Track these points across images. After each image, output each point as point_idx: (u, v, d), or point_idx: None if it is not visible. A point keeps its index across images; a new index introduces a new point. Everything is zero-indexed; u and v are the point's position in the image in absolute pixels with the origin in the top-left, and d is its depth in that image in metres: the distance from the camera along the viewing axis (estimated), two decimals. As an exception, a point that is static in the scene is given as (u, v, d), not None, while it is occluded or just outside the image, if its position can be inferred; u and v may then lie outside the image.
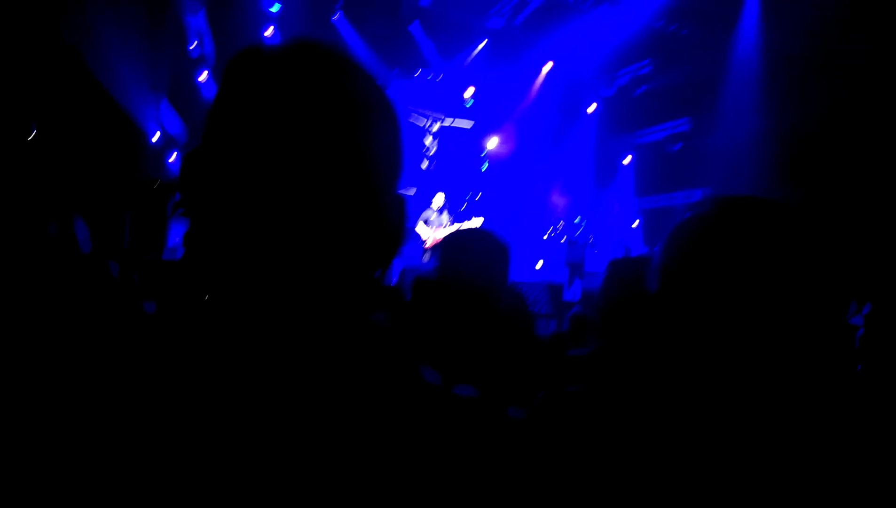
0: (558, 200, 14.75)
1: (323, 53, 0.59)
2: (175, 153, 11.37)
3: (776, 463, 0.70)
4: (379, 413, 0.54)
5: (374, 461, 0.52)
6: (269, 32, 12.33)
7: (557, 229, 12.88)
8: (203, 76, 11.61)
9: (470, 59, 14.57)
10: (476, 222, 10.61)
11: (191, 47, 10.98)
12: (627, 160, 15.14)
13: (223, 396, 0.53)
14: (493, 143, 15.13)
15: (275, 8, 11.94)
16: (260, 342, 0.55)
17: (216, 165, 0.57)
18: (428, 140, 14.37)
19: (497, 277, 1.91)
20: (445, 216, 10.54)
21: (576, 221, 11.57)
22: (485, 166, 15.28)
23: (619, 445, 0.77)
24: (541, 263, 13.38)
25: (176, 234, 8.32)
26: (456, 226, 10.50)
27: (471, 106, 15.02)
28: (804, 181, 10.85)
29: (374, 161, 0.59)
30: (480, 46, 14.39)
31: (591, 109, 15.41)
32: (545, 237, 12.34)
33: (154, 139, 10.02)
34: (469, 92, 14.88)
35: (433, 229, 10.33)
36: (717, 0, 11.93)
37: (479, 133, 15.18)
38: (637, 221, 14.36)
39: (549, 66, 14.91)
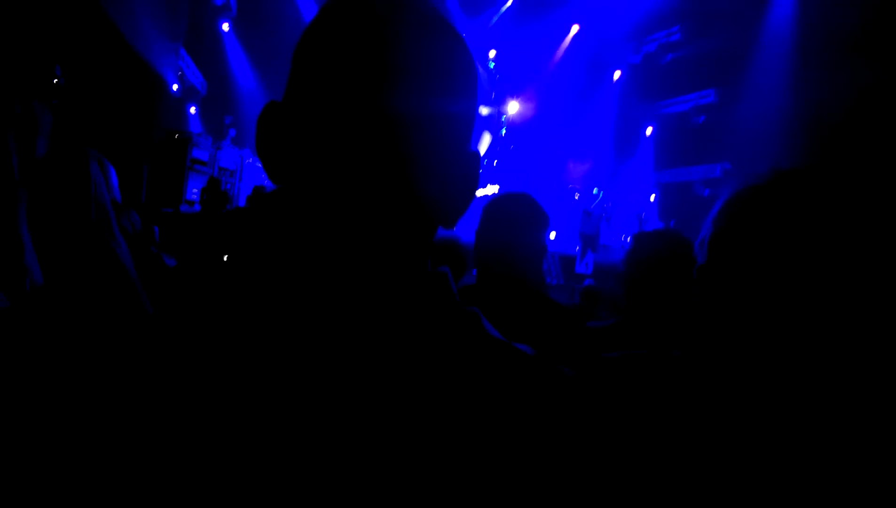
0: (576, 169, 14.58)
1: (415, 6, 0.58)
2: (194, 106, 11.32)
3: (839, 446, 0.70)
4: (446, 364, 0.55)
5: (440, 410, 0.53)
6: (293, -18, 12.11)
7: (574, 198, 12.76)
8: (225, 26, 11.46)
9: (495, 18, 14.25)
10: (492, 190, 10.54)
11: (213, -5, 10.83)
12: (649, 131, 14.87)
13: (285, 345, 0.54)
14: (512, 107, 14.90)
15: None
16: (330, 290, 0.55)
17: (303, 115, 0.56)
18: None
19: (532, 242, 1.93)
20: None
21: (594, 191, 11.45)
22: (503, 131, 15.09)
23: (673, 414, 0.77)
24: (554, 233, 13.32)
25: (193, 186, 8.34)
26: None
27: (493, 68, 14.75)
28: (830, 159, 10.65)
29: (460, 118, 0.59)
30: (507, 5, 14.06)
31: (616, 75, 15.08)
32: (570, 203, 12.21)
33: (174, 88, 9.96)
34: (491, 54, 14.59)
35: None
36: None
37: (499, 97, 14.95)
38: (653, 194, 14.19)
39: (575, 29, 14.55)
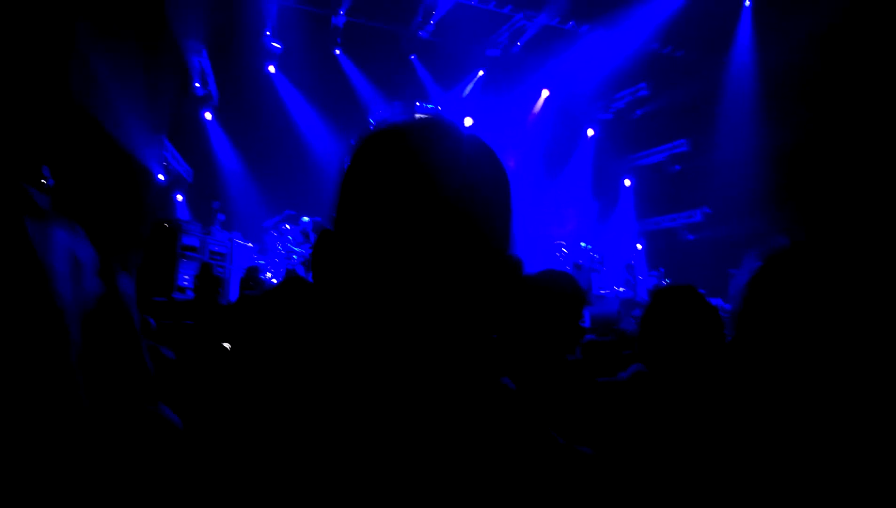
0: (560, 224, 14.80)
1: (453, 132, 0.62)
2: (181, 194, 11.44)
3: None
4: (512, 469, 0.59)
5: None
6: (271, 69, 12.52)
7: (562, 253, 12.89)
8: (208, 115, 11.75)
9: (468, 89, 14.77)
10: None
11: (195, 86, 11.13)
12: (627, 183, 15.24)
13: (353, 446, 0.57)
14: (493, 169, 15.19)
15: (276, 45, 12.11)
16: (397, 405, 0.58)
17: (356, 241, 0.61)
18: None
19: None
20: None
21: (581, 245, 11.59)
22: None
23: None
24: (547, 288, 13.37)
25: (185, 273, 8.31)
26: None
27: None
28: (803, 198, 10.92)
29: (501, 233, 0.64)
30: (478, 76, 14.59)
31: (590, 133, 15.56)
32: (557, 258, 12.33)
33: (160, 178, 10.09)
34: (467, 122, 15.04)
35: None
36: (710, 21, 12.13)
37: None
38: (640, 243, 14.40)
39: (545, 93, 15.10)
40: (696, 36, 12.66)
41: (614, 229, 14.65)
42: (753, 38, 11.92)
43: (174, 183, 11.04)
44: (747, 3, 11.77)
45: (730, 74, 12.30)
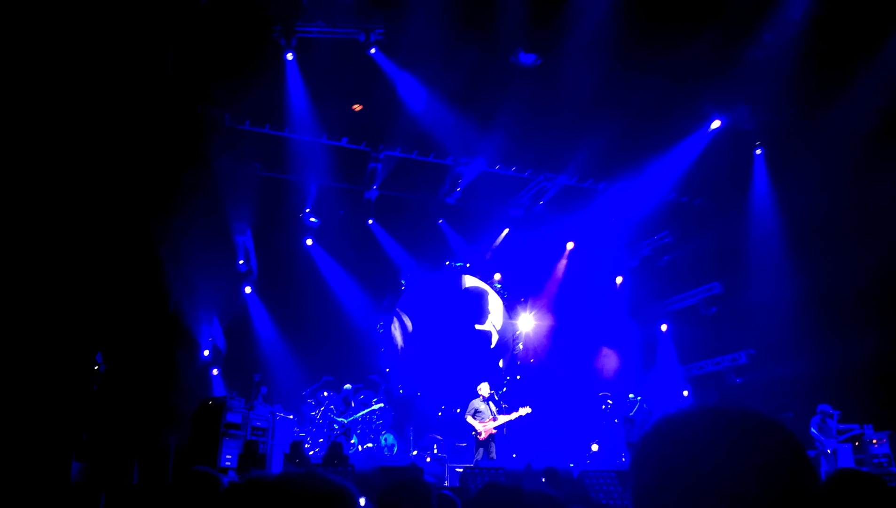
0: (602, 375, 14.44)
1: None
2: (216, 368, 11.48)
3: None
4: None
5: None
6: (309, 242, 13.14)
7: (607, 406, 12.43)
8: (248, 289, 12.13)
9: (495, 246, 15.26)
10: (524, 412, 10.28)
11: (239, 263, 11.63)
12: (664, 328, 15.06)
13: None
14: (525, 323, 15.25)
15: (314, 219, 12.80)
16: None
17: None
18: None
19: None
20: (493, 406, 10.26)
21: (630, 397, 11.19)
22: (520, 346, 15.25)
23: None
24: (596, 446, 12.73)
25: (227, 452, 8.08)
26: (504, 418, 10.17)
27: (500, 289, 15.42)
28: (845, 334, 10.66)
29: None
30: (504, 234, 15.14)
31: (619, 281, 15.70)
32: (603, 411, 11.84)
33: (205, 354, 10.19)
34: (497, 277, 15.37)
35: (484, 420, 10.01)
36: (725, 170, 12.70)
37: (510, 314, 15.40)
38: (686, 390, 13.89)
39: (570, 245, 15.53)
40: (713, 184, 13.20)
41: (657, 376, 14.22)
42: (770, 183, 12.37)
43: (214, 359, 11.13)
44: (758, 152, 12.37)
45: (753, 216, 12.61)
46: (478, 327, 15.14)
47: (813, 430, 9.86)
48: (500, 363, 14.86)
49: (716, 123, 11.73)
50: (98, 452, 6.79)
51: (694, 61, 9.95)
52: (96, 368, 7.27)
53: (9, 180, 6.64)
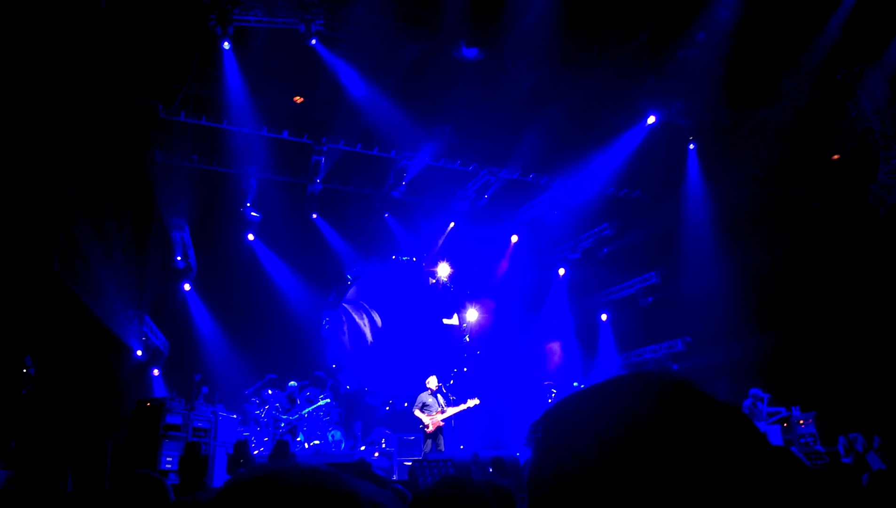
0: (545, 364, 14.74)
1: None
2: (157, 368, 11.11)
3: None
4: None
5: None
6: (251, 237, 12.83)
7: (552, 394, 12.71)
8: (187, 286, 11.76)
9: (441, 240, 15.32)
10: (472, 403, 10.40)
11: (177, 259, 11.25)
12: (604, 317, 15.50)
13: None
14: (472, 315, 15.40)
15: (255, 214, 12.51)
16: None
17: None
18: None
19: None
20: (441, 399, 10.33)
21: (574, 385, 11.47)
22: (467, 338, 15.40)
23: None
24: (541, 433, 12.98)
25: (167, 454, 7.84)
26: (452, 410, 10.26)
27: (446, 282, 15.51)
28: (777, 318, 11.27)
29: None
30: (450, 227, 15.22)
31: (561, 272, 16.05)
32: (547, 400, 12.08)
33: (138, 354, 9.83)
34: (443, 269, 15.44)
35: (432, 413, 10.06)
36: (660, 163, 13.17)
37: (457, 307, 15.52)
38: (626, 376, 14.33)
39: (514, 239, 15.76)
40: (649, 178, 13.65)
41: (599, 364, 14.63)
42: (702, 176, 12.89)
43: (152, 358, 10.74)
44: (691, 146, 12.87)
45: (687, 208, 13.11)
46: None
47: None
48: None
49: (651, 119, 12.12)
50: (28, 459, 6.47)
51: (630, 58, 10.27)
52: (25, 371, 6.91)
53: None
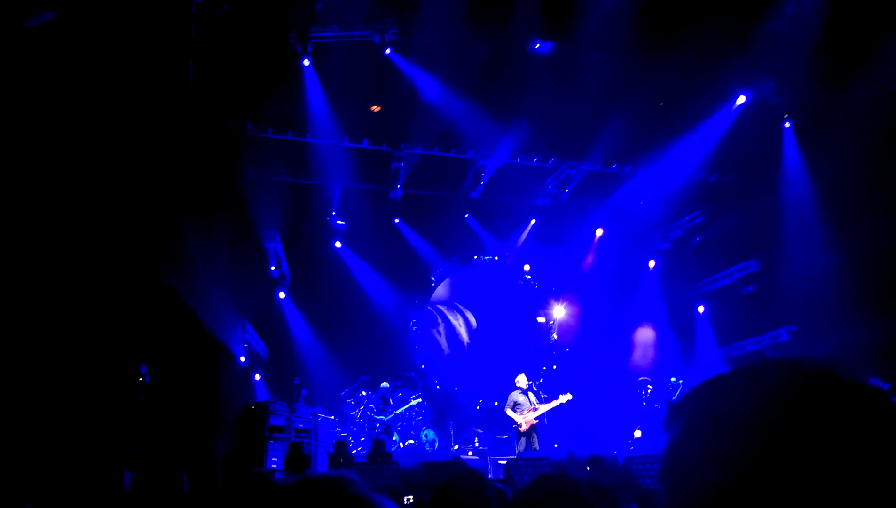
0: (641, 361, 14.28)
1: None
2: (258, 373, 11.72)
3: None
4: None
5: None
6: (338, 245, 13.30)
7: (647, 391, 12.32)
8: (281, 294, 12.34)
9: (522, 238, 15.21)
10: (564, 399, 10.26)
11: (271, 269, 11.84)
12: (701, 310, 14.82)
13: None
14: (558, 311, 15.17)
15: (341, 222, 12.95)
16: None
17: None
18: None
19: None
20: (532, 397, 10.26)
21: (672, 380, 11.05)
22: (554, 336, 15.20)
23: None
24: (639, 432, 12.62)
25: (273, 455, 8.25)
26: (545, 407, 10.17)
27: (530, 279, 15.38)
28: (890, 304, 10.34)
29: None
30: (531, 225, 15.08)
31: (652, 264, 15.49)
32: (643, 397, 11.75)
33: (242, 360, 10.42)
34: (526, 268, 15.32)
35: (524, 411, 10.02)
36: (753, 144, 12.42)
37: (543, 304, 15.35)
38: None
39: (599, 232, 15.38)
40: (742, 160, 12.92)
41: (698, 359, 14.01)
42: (801, 156, 12.06)
43: (253, 363, 11.35)
44: (787, 125, 12.07)
45: (785, 191, 12.31)
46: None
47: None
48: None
49: (741, 99, 11.47)
50: (148, 462, 7.01)
51: (714, 38, 9.75)
52: (141, 380, 7.49)
53: (51, 203, 6.88)
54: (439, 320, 14.74)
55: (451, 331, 14.87)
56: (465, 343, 14.78)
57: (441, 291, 14.81)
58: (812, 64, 10.10)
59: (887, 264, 10.58)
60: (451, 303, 15.00)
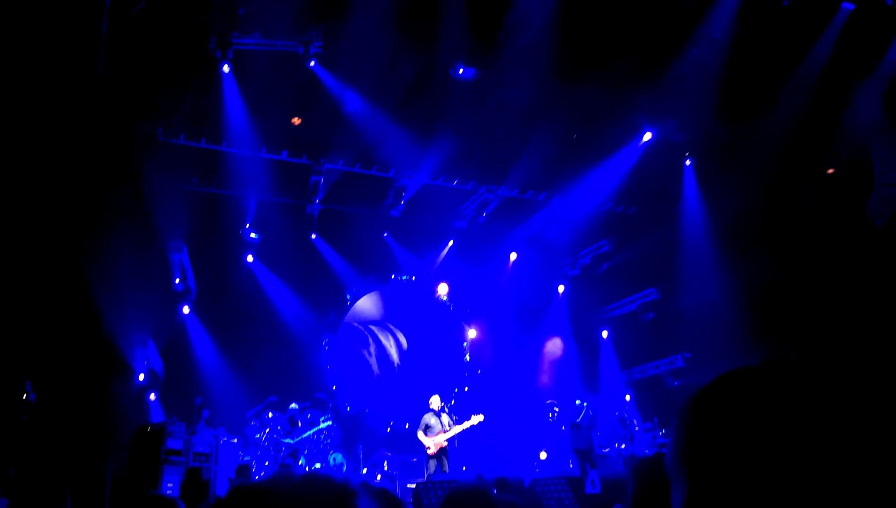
0: (546, 383, 14.65)
1: None
2: (154, 392, 10.99)
3: None
4: None
5: None
6: (250, 259, 12.80)
7: (554, 413, 12.61)
8: (186, 309, 11.70)
9: (440, 258, 15.31)
10: (476, 420, 10.31)
11: (175, 282, 11.20)
12: (605, 334, 15.45)
13: None
14: (472, 333, 15.33)
15: (254, 235, 12.50)
16: None
17: None
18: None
19: None
20: (445, 418, 10.23)
21: (577, 403, 11.38)
22: (467, 357, 15.32)
23: None
24: (544, 453, 12.87)
25: (168, 480, 7.73)
26: (457, 429, 10.18)
27: (445, 301, 15.46)
28: (779, 331, 11.23)
29: None
30: (449, 246, 15.22)
31: (561, 289, 16.02)
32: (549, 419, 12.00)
33: (140, 378, 9.75)
34: (442, 288, 15.39)
35: (435, 434, 9.97)
36: (656, 180, 13.22)
37: (457, 326, 15.45)
38: (628, 394, 14.27)
39: (513, 256, 15.76)
40: (647, 194, 13.70)
41: (601, 382, 14.55)
42: (699, 192, 12.95)
43: (152, 382, 10.64)
44: (688, 162, 12.95)
45: (685, 224, 13.15)
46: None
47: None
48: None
49: (647, 136, 12.21)
50: (26, 487, 6.36)
51: (625, 75, 10.34)
52: (24, 397, 6.83)
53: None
54: (370, 339, 14.49)
55: (382, 351, 14.65)
56: (396, 364, 14.58)
57: (373, 310, 14.59)
58: (712, 106, 10.93)
59: (775, 294, 11.50)
60: (382, 323, 14.79)
